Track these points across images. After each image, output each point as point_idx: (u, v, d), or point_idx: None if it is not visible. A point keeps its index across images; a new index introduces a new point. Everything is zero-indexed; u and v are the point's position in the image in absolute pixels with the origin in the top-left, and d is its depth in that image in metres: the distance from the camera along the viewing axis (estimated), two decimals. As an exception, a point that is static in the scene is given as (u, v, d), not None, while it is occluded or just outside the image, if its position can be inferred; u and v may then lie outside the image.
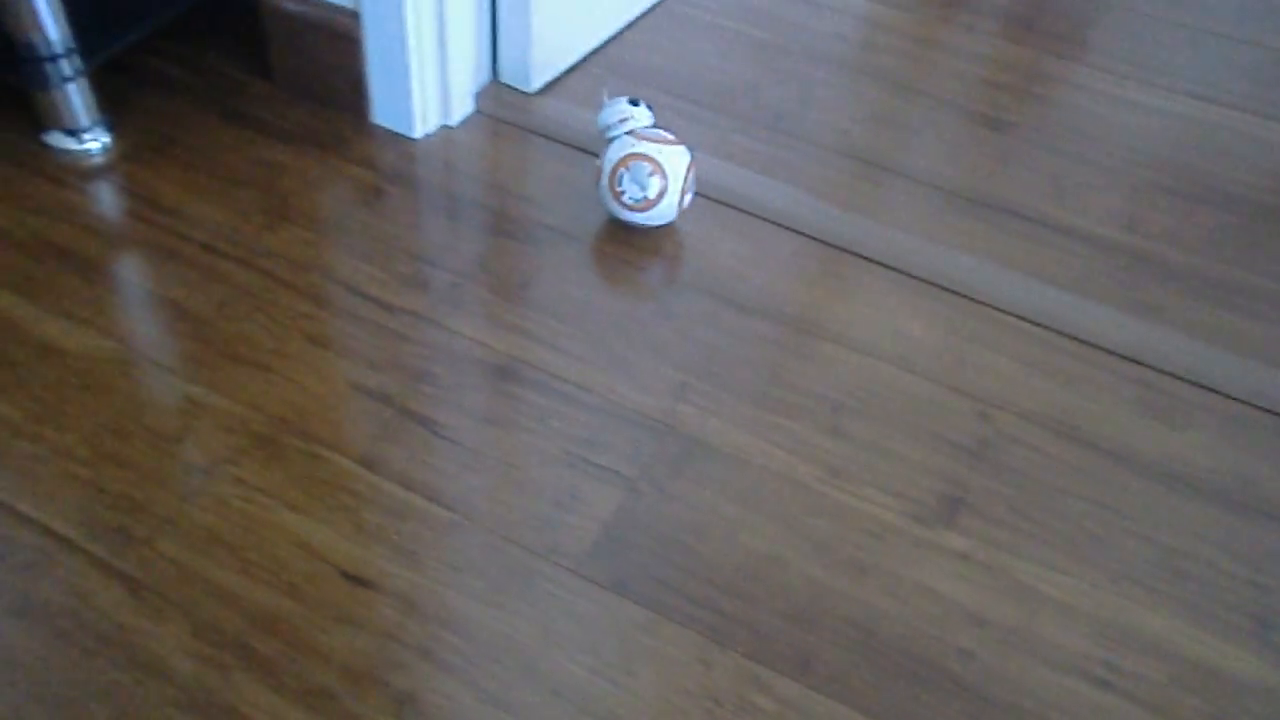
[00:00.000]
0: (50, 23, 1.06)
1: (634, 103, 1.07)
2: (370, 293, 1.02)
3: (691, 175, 1.07)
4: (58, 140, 1.15)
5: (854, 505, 0.89)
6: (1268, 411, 0.98)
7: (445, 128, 1.21)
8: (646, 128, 1.06)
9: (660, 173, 1.04)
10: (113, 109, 1.20)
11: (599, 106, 1.09)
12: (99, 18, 1.15)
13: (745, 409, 0.95)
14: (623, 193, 1.05)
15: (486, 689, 0.76)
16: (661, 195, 1.05)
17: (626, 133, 1.06)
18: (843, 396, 0.97)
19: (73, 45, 1.09)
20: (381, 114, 1.19)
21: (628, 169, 1.04)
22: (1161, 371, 1.01)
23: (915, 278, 1.08)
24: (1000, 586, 0.84)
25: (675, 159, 1.05)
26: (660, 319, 1.02)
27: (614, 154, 1.05)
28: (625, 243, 1.09)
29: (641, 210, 1.06)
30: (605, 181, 1.06)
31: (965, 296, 1.06)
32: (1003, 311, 1.05)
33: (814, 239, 1.11)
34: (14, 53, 1.08)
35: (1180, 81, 1.37)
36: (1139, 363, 1.02)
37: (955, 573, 0.85)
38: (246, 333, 0.98)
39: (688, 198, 1.08)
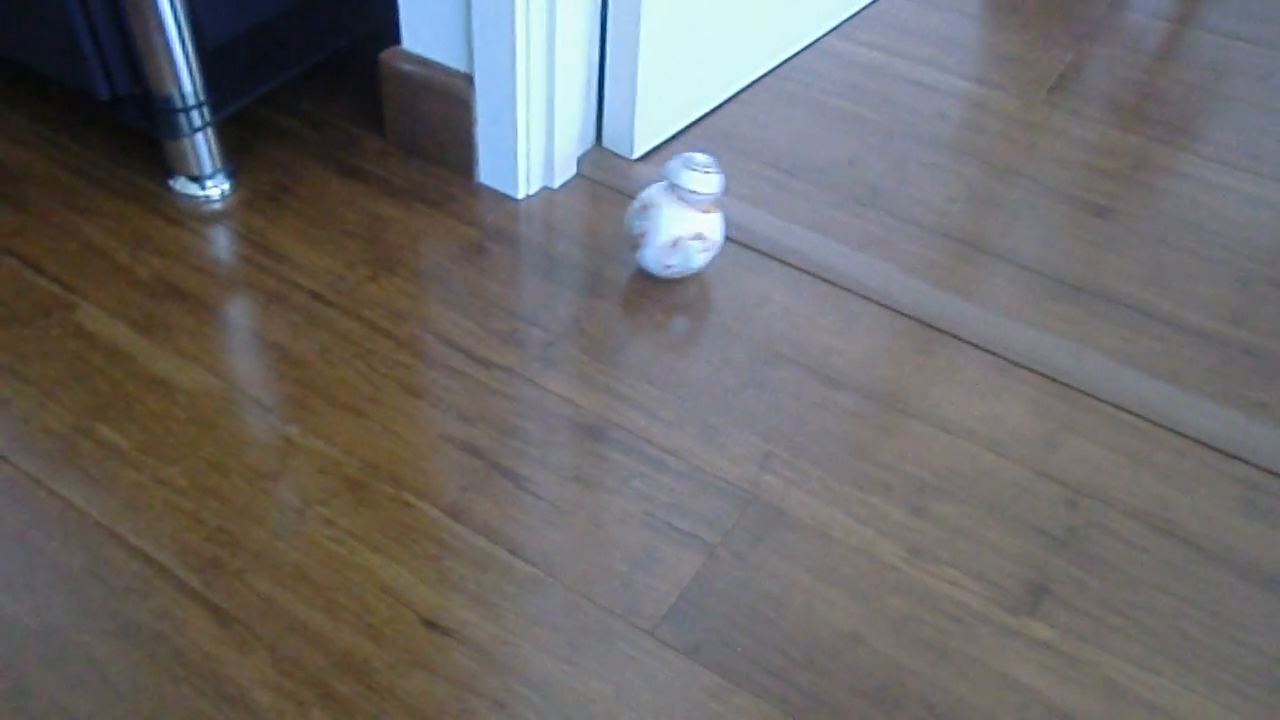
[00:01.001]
0: (187, 77, 1.12)
1: (707, 168, 1.06)
2: (466, 346, 1.05)
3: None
4: (182, 185, 1.21)
5: (935, 586, 0.87)
6: (1377, 518, 0.95)
7: (548, 189, 1.24)
8: (708, 195, 1.06)
9: (707, 245, 1.07)
10: (234, 158, 1.26)
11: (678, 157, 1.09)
12: (229, 74, 1.21)
13: (829, 482, 0.95)
14: (670, 266, 1.08)
15: (556, 746, 0.76)
16: (699, 260, 1.09)
17: (690, 197, 1.06)
18: (928, 475, 0.96)
19: (204, 98, 1.15)
20: (487, 174, 1.23)
21: (682, 249, 1.06)
22: (1267, 471, 0.98)
23: (1008, 360, 1.07)
24: (1086, 681, 0.82)
25: (718, 225, 1.09)
26: (749, 388, 1.02)
27: (673, 223, 1.06)
28: (718, 309, 1.10)
29: (673, 270, 1.10)
30: (657, 246, 1.07)
31: (1060, 382, 1.05)
32: (1099, 400, 1.03)
33: (906, 316, 1.11)
34: (151, 103, 1.14)
35: (1292, 176, 1.35)
36: (1243, 460, 0.99)
37: (1038, 663, 0.83)
38: (345, 378, 1.01)
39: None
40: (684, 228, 1.06)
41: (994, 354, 1.08)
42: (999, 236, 1.22)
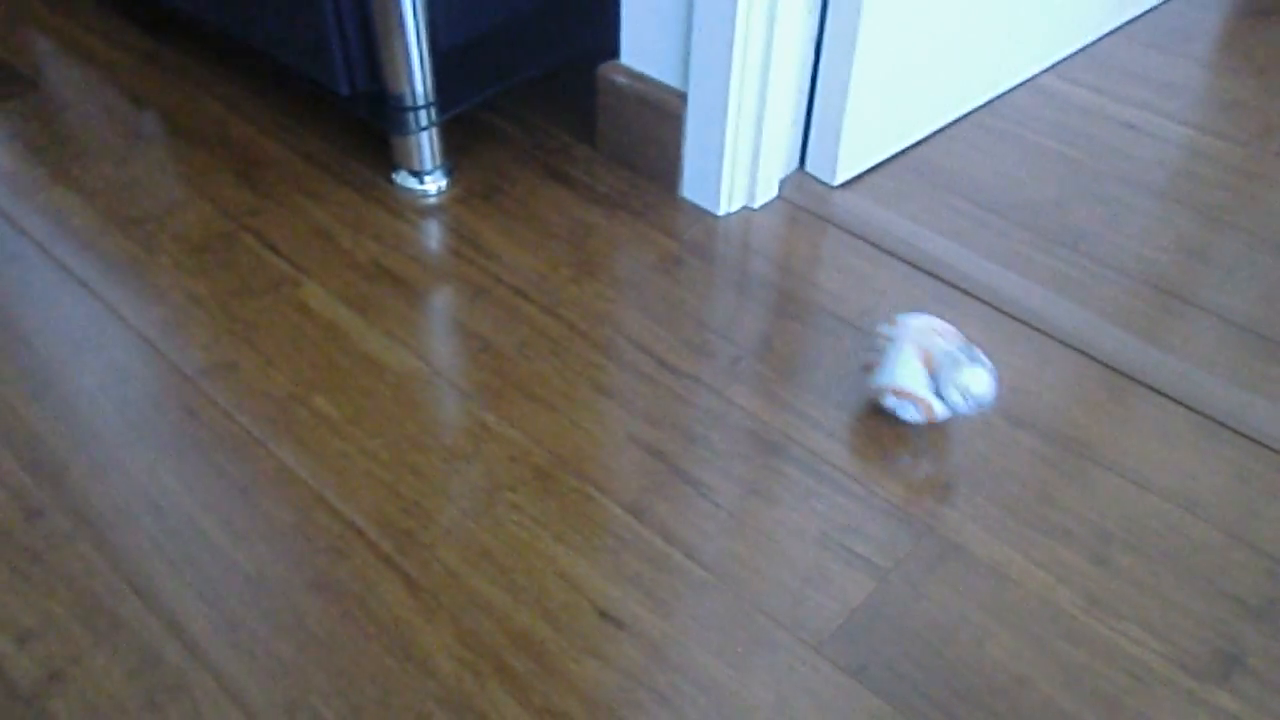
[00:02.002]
0: (420, 78, 1.19)
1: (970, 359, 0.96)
2: (657, 353, 1.08)
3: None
4: (404, 179, 1.29)
5: (1113, 640, 0.85)
6: None
7: (748, 209, 1.26)
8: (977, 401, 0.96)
9: (924, 413, 0.98)
10: (453, 156, 1.33)
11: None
12: (458, 77, 1.28)
13: (1009, 522, 0.93)
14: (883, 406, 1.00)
15: (717, 747, 0.78)
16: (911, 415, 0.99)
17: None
18: (1114, 527, 0.93)
19: (433, 99, 1.22)
20: (690, 189, 1.26)
21: (901, 402, 0.98)
22: None
23: (1209, 417, 1.03)
24: (1269, 757, 0.78)
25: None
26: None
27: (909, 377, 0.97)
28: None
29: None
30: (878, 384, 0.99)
31: (1264, 445, 1.01)
32: (1306, 468, 0.99)
33: (1101, 363, 1.09)
34: (385, 100, 1.22)
35: None
36: None
37: (1219, 732, 0.80)
38: (540, 372, 1.06)
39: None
40: (917, 387, 0.97)
41: (1194, 410, 1.04)
42: (1208, 290, 1.18)
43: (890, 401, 0.98)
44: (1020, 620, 0.86)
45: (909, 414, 0.99)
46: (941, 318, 1.13)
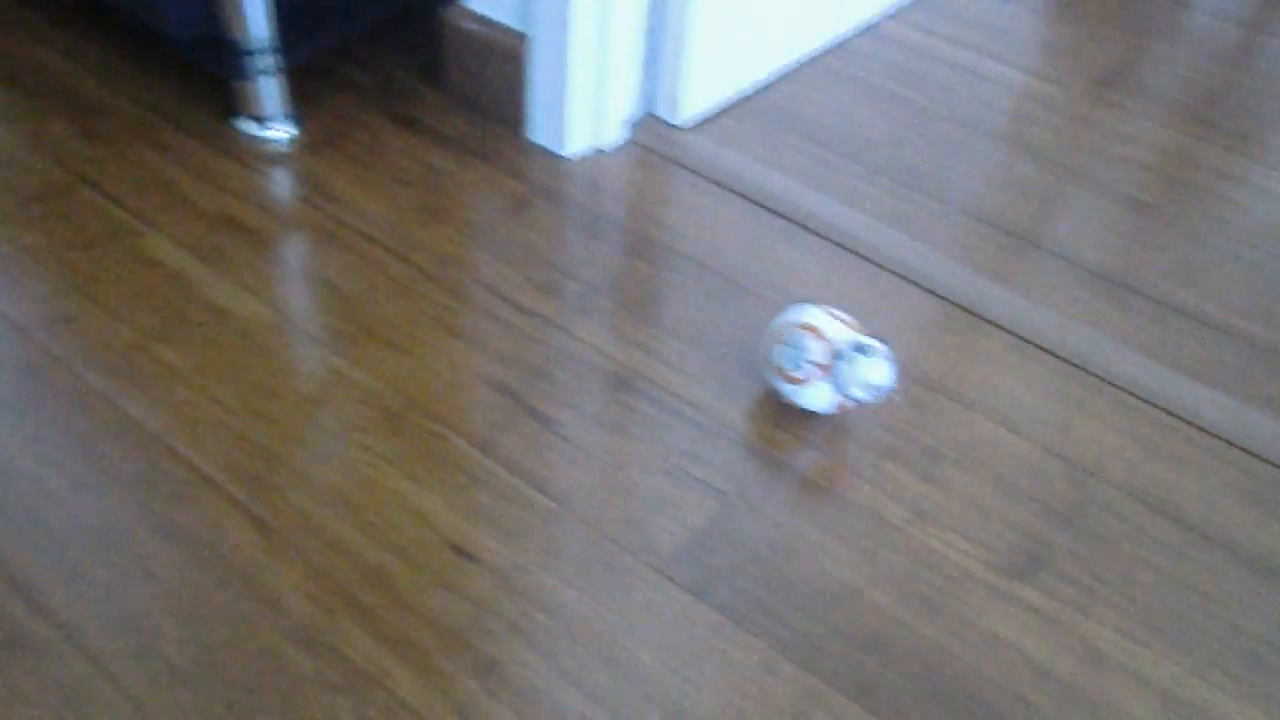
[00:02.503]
0: (258, 22, 1.17)
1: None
2: (506, 294, 1.10)
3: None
4: (248, 127, 1.27)
5: (935, 548, 0.91)
6: (1377, 516, 0.97)
7: (596, 151, 1.28)
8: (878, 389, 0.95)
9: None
10: (300, 104, 1.31)
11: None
12: (299, 23, 1.26)
13: (842, 443, 0.99)
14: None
15: (564, 666, 0.81)
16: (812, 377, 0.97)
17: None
18: (941, 445, 0.99)
19: (273, 44, 1.21)
20: (537, 132, 1.27)
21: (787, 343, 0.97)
22: (1270, 463, 1.01)
23: (1031, 343, 1.10)
24: (1069, 644, 0.85)
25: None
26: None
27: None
28: (751, 275, 1.14)
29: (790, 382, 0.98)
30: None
31: (1080, 367, 1.08)
32: (1116, 386, 1.06)
33: (932, 293, 1.14)
34: (221, 45, 1.20)
35: (1333, 181, 1.36)
36: (1250, 452, 1.02)
37: (1025, 625, 0.86)
38: (390, 316, 1.06)
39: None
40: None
41: (1016, 335, 1.11)
42: (1032, 223, 1.25)
43: (787, 390, 0.98)
44: (852, 535, 0.92)
45: (811, 403, 0.98)
46: (779, 252, 1.17)
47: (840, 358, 0.94)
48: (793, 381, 0.97)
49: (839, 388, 0.95)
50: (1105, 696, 0.83)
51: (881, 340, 0.99)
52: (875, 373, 0.94)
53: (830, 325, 0.96)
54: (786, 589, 0.87)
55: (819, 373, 0.95)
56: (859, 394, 0.95)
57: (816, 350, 0.94)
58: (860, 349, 0.94)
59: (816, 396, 0.96)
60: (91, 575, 0.84)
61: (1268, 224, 1.28)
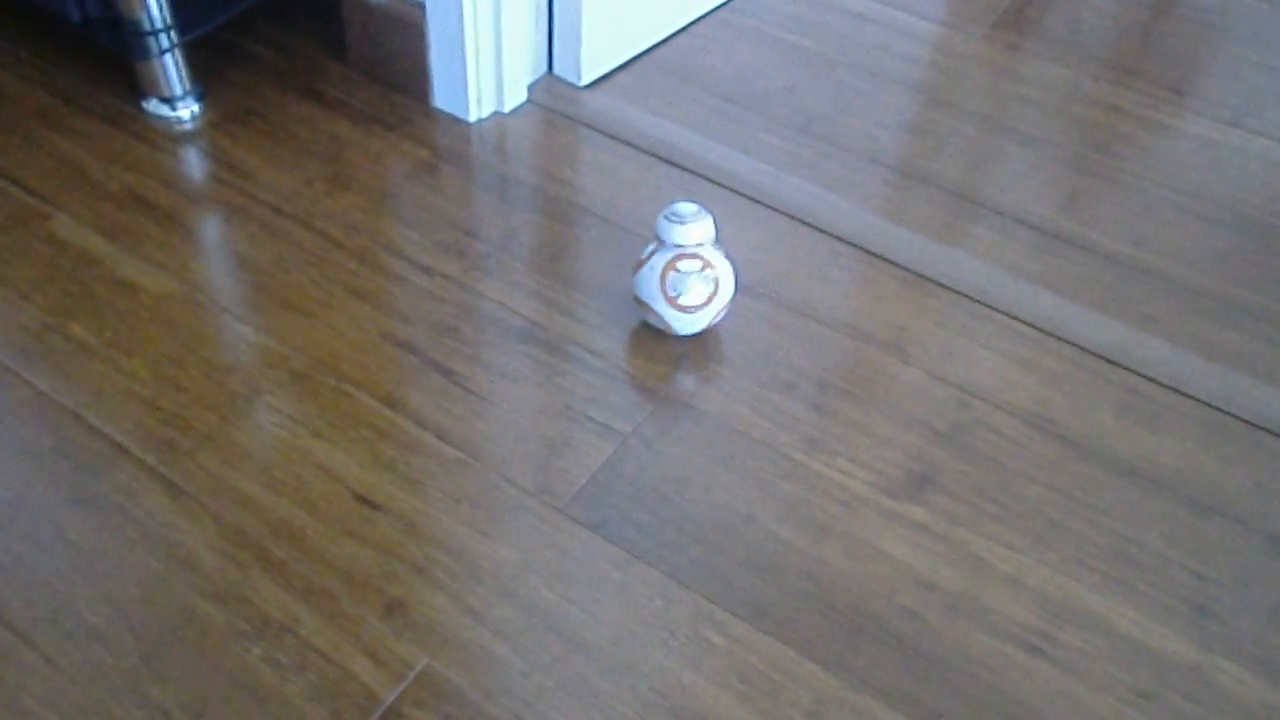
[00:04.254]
0: (155, 1, 1.19)
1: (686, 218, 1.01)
2: (411, 256, 1.13)
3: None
4: (154, 106, 1.29)
5: (826, 474, 0.96)
6: (1245, 422, 1.02)
7: (498, 114, 1.31)
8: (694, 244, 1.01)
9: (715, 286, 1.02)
10: (204, 80, 1.33)
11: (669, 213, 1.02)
12: (195, 0, 1.28)
13: (739, 381, 1.02)
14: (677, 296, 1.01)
15: (467, 603, 0.85)
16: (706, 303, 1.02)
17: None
18: (829, 375, 1.04)
19: (171, 22, 1.22)
20: (441, 98, 1.30)
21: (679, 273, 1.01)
22: (1146, 378, 1.06)
23: (916, 274, 1.14)
24: (953, 557, 0.90)
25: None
26: (672, 297, 1.10)
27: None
28: (651, 224, 1.18)
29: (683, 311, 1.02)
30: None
31: (960, 293, 1.12)
32: (996, 310, 1.11)
33: (826, 233, 1.18)
34: (120, 26, 1.21)
35: (1224, 111, 1.40)
36: (1125, 368, 1.07)
37: (912, 541, 0.91)
38: (297, 283, 1.09)
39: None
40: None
41: (903, 267, 1.15)
42: (923, 161, 1.29)
43: (637, 308, 1.04)
44: (745, 467, 0.96)
45: (652, 321, 1.04)
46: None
47: (674, 281, 1.01)
48: (640, 306, 1.04)
49: (666, 301, 1.01)
50: (988, 603, 0.87)
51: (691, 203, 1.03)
52: (692, 294, 1.00)
53: (682, 260, 1.01)
54: (682, 521, 0.91)
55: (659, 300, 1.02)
56: (675, 314, 1.01)
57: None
58: (696, 273, 1.00)
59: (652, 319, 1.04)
60: (6, 546, 0.87)
61: (1141, 146, 1.33)
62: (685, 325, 1.03)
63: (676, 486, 0.94)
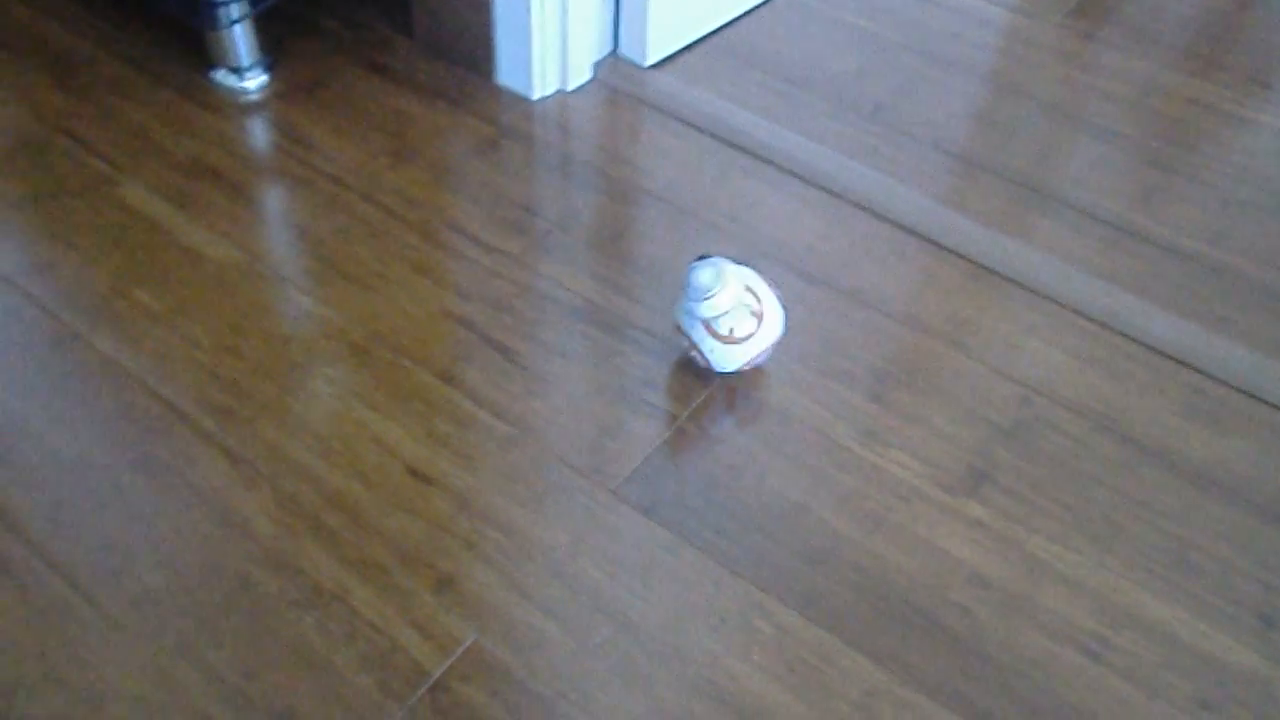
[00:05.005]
0: (223, -30, 1.20)
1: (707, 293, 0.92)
2: (471, 232, 1.13)
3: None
4: (222, 76, 1.30)
5: (882, 466, 0.94)
6: (1319, 429, 0.99)
7: (562, 93, 1.30)
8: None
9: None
10: (271, 52, 1.34)
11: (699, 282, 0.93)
12: (268, -30, 1.28)
13: (796, 368, 1.01)
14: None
15: (517, 581, 0.85)
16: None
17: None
18: (889, 366, 1.02)
19: (242, -8, 1.23)
20: (505, 75, 1.30)
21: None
22: (1217, 380, 1.03)
23: (978, 264, 1.12)
24: (1009, 555, 0.89)
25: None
26: (731, 281, 1.09)
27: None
28: (713, 209, 1.17)
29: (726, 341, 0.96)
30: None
31: (1026, 287, 1.10)
32: (1062, 305, 1.09)
33: (890, 221, 1.16)
34: (192, -5, 1.22)
35: (1298, 105, 1.36)
36: (1195, 369, 1.04)
37: (968, 538, 0.90)
38: (357, 256, 1.10)
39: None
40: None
41: (968, 259, 1.13)
42: (991, 151, 1.26)
43: (684, 344, 0.98)
44: (801, 456, 0.95)
45: (694, 357, 0.98)
46: (743, 186, 1.20)
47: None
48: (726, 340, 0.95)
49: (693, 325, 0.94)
50: (1043, 603, 0.86)
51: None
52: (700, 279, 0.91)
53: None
54: (735, 507, 0.91)
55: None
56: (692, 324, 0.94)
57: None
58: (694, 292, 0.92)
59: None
60: (70, 506, 0.88)
61: (1225, 144, 1.29)
62: (724, 359, 0.96)
63: (730, 472, 0.93)
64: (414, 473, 0.92)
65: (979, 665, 0.82)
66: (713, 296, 0.92)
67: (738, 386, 1.00)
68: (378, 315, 1.04)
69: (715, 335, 0.94)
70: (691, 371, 1.01)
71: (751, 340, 0.95)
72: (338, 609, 0.83)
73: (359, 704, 0.78)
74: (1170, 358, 1.04)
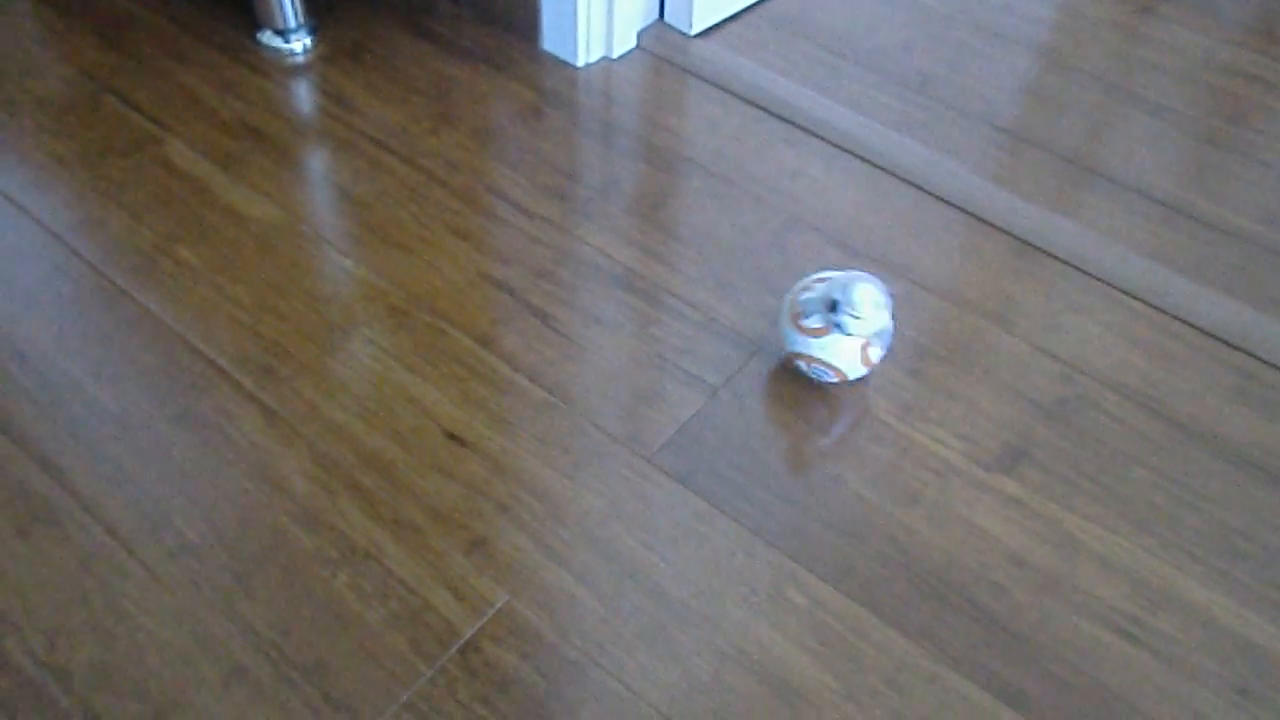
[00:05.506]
0: (271, -69, 1.20)
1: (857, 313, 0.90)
2: (512, 197, 1.12)
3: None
4: (268, 38, 1.30)
5: (919, 441, 0.93)
6: (1370, 415, 0.97)
7: (607, 60, 1.30)
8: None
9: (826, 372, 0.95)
10: (317, 15, 1.34)
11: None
12: (315, -69, 1.28)
13: (835, 342, 1.00)
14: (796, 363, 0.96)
15: (549, 545, 0.85)
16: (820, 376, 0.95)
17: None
18: (929, 341, 1.01)
19: (289, -47, 1.23)
20: (550, 41, 1.29)
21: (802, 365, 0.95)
22: (1267, 364, 1.01)
23: (1023, 241, 1.10)
24: (1046, 534, 0.87)
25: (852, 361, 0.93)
26: (771, 251, 1.08)
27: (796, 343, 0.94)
28: (755, 179, 1.16)
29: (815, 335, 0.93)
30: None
31: (1072, 265, 1.08)
32: (1108, 284, 1.07)
33: (935, 196, 1.15)
34: (239, -45, 1.22)
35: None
36: (1245, 351, 1.02)
37: (1004, 515, 0.89)
38: (399, 219, 1.10)
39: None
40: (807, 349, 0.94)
41: (1014, 236, 1.11)
42: (1041, 127, 1.24)
43: (800, 365, 0.96)
44: (835, 428, 0.94)
45: (817, 374, 0.96)
46: (786, 156, 1.18)
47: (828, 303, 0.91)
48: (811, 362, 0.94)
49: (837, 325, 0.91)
50: (1079, 584, 0.85)
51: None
52: (860, 298, 0.89)
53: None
54: (770, 477, 0.90)
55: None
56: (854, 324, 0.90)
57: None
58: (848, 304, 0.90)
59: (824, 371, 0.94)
60: (112, 457, 0.89)
61: (1288, 128, 1.26)
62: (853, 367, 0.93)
63: (765, 443, 0.93)
64: (450, 435, 0.92)
65: (1012, 644, 0.81)
66: (861, 318, 0.89)
67: (774, 356, 0.99)
68: (417, 278, 1.04)
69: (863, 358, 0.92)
70: (729, 341, 1.00)
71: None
72: (371, 567, 0.83)
73: (390, 661, 0.78)
74: (1219, 339, 1.02)
